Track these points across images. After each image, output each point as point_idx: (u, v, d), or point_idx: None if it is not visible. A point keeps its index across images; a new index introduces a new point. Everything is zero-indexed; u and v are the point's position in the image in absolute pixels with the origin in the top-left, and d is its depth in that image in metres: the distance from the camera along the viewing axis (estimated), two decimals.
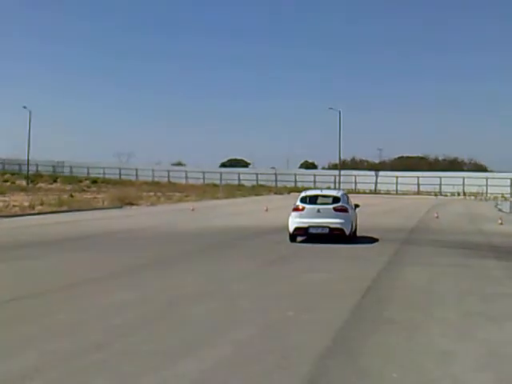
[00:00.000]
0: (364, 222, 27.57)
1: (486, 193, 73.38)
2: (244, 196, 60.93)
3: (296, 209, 19.19)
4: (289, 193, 72.05)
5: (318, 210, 18.98)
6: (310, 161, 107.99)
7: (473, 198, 69.10)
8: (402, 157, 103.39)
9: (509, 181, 74.75)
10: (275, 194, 69.93)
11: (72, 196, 45.49)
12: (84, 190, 62.02)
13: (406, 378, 6.04)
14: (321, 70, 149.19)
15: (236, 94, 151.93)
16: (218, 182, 79.81)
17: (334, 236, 18.55)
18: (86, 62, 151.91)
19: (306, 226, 18.62)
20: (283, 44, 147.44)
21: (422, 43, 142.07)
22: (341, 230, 18.59)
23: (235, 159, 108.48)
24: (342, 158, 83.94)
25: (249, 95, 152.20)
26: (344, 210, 19.07)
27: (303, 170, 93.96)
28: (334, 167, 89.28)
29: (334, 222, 18.57)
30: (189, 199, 50.02)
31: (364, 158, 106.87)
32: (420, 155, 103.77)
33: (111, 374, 6.01)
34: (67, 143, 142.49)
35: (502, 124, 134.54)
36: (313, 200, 19.96)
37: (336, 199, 19.67)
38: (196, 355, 6.63)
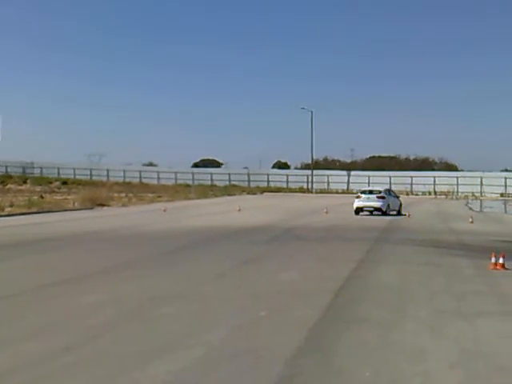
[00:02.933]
0: (337, 222, 27.77)
1: (457, 192, 74.29)
2: (216, 196, 60.81)
3: (358, 196, 35.28)
4: (262, 193, 72.24)
5: (368, 198, 34.50)
6: (283, 161, 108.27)
7: (444, 197, 69.89)
8: (373, 156, 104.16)
9: (479, 180, 75.72)
10: (248, 194, 69.92)
11: (42, 197, 45.02)
12: (54, 191, 61.39)
13: (378, 376, 6.04)
14: (293, 70, 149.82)
15: (209, 95, 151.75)
16: (190, 182, 79.66)
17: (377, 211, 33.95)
18: (55, 62, 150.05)
19: (362, 206, 34.29)
20: (255, 46, 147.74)
21: (391, 44, 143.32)
22: (379, 208, 33.79)
23: (208, 159, 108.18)
24: (314, 157, 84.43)
25: (221, 96, 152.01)
26: (382, 197, 34.29)
27: (276, 170, 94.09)
28: (306, 167, 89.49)
29: (376, 204, 33.87)
30: (161, 200, 49.76)
31: (336, 158, 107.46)
32: (391, 155, 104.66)
33: (82, 376, 5.92)
34: (37, 144, 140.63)
35: (472, 124, 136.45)
36: (366, 192, 35.99)
37: (379, 191, 35.32)
38: (167, 357, 6.56)
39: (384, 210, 33.45)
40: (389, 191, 37.72)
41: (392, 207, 34.89)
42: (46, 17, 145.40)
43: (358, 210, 34.06)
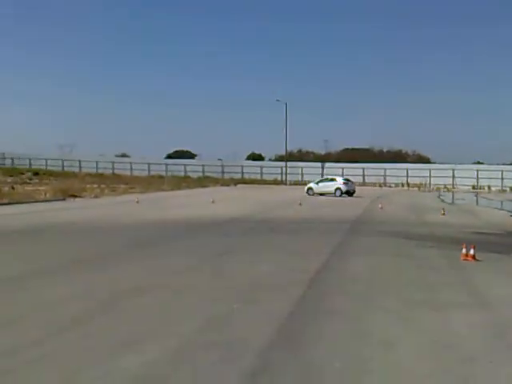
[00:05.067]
0: (310, 214, 27.85)
1: (430, 184, 75.11)
2: (190, 188, 60.60)
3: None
4: (236, 184, 72.19)
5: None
6: (257, 152, 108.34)
7: (416, 189, 70.60)
8: (347, 148, 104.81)
9: (451, 172, 76.61)
10: (222, 185, 69.83)
11: (13, 188, 44.40)
12: (26, 182, 60.55)
13: (348, 367, 6.08)
14: (267, 61, 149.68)
15: (182, 84, 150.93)
16: (163, 173, 79.32)
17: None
18: (25, 52, 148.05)
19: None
20: (229, 35, 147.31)
21: (361, 36, 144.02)
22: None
23: (181, 151, 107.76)
24: (288, 149, 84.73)
25: (195, 85, 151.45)
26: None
27: (250, 162, 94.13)
28: (280, 159, 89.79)
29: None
30: (134, 191, 49.45)
31: (310, 150, 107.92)
32: (365, 147, 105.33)
33: (52, 369, 5.89)
34: (8, 134, 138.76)
35: (444, 116, 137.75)
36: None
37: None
38: (138, 349, 6.54)
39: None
40: (330, 179, 51.06)
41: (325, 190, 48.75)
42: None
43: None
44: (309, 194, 48.59)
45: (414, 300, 9.37)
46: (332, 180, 50.24)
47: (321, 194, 48.50)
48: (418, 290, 10.22)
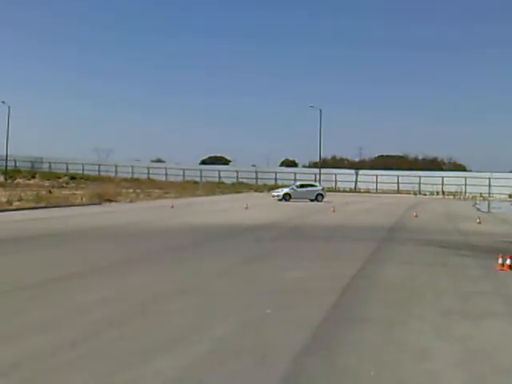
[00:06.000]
0: (344, 221, 27.74)
1: (465, 192, 74.12)
2: (224, 193, 60.86)
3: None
4: (269, 190, 72.12)
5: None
6: (291, 159, 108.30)
7: (452, 197, 69.73)
8: (381, 156, 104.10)
9: (487, 180, 75.48)
10: (255, 191, 69.91)
11: (50, 192, 45.14)
12: (62, 186, 61.59)
13: (383, 375, 6.05)
14: (303, 69, 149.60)
15: (218, 92, 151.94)
16: (198, 179, 79.84)
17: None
18: (65, 58, 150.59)
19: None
20: (265, 44, 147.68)
21: (400, 43, 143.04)
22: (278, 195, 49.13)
23: (215, 156, 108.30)
24: (322, 156, 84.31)
25: (230, 93, 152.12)
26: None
27: (284, 168, 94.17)
28: (314, 165, 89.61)
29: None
30: (168, 196, 49.86)
31: (344, 157, 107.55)
32: (400, 154, 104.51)
33: (87, 371, 5.94)
34: (46, 139, 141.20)
35: (481, 124, 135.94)
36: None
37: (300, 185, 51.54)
38: (173, 352, 6.58)
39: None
40: (310, 185, 53.23)
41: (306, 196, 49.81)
42: (53, 14, 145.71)
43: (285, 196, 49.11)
44: (285, 200, 48.58)
45: (449, 309, 9.28)
46: (312, 186, 52.75)
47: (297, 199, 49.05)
48: (452, 298, 10.12)
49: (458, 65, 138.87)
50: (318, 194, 49.87)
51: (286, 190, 50.61)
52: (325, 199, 49.75)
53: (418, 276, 12.43)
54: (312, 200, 49.16)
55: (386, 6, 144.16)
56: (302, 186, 52.06)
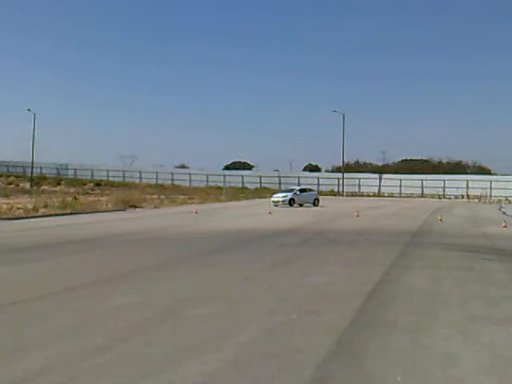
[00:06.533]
0: (368, 225, 27.62)
1: (490, 195, 73.37)
2: (247, 198, 60.94)
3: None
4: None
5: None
6: (314, 163, 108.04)
7: (477, 200, 69.03)
8: (405, 159, 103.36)
9: None
10: None
11: (76, 198, 45.56)
12: (88, 193, 62.14)
13: (409, 381, 6.01)
14: (325, 73, 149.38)
15: (241, 97, 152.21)
16: (221, 184, 79.90)
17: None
18: (89, 65, 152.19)
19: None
20: (287, 48, 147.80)
21: (424, 47, 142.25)
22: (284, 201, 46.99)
23: (239, 162, 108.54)
24: (345, 160, 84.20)
25: (253, 98, 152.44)
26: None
27: (307, 173, 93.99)
28: (337, 170, 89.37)
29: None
30: (192, 202, 50.07)
31: (368, 161, 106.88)
32: (424, 158, 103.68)
33: (114, 377, 6.00)
34: (71, 146, 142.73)
35: (506, 127, 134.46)
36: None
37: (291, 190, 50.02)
38: (199, 358, 6.61)
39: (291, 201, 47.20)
40: (309, 189, 52.73)
41: (307, 200, 48.76)
42: (78, 20, 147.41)
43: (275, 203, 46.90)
44: (290, 205, 46.92)
45: (476, 314, 9.19)
46: (311, 190, 52.60)
47: (300, 205, 47.83)
48: (479, 303, 10.02)
49: (484, 67, 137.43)
50: (315, 199, 49.49)
51: (290, 195, 48.17)
52: (320, 204, 49.49)
53: (444, 281, 12.33)
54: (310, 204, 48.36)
55: (400, 6, 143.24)
56: (302, 190, 51.11)
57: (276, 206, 46.49)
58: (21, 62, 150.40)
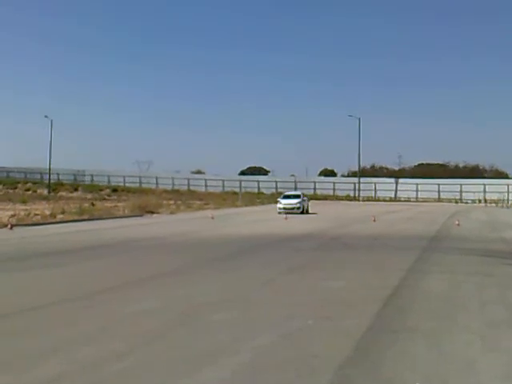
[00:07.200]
0: (385, 230, 27.52)
1: (508, 200, 72.71)
2: (263, 204, 60.95)
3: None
4: (308, 200, 71.94)
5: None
6: (330, 168, 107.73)
7: (494, 205, 68.48)
8: (422, 164, 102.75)
9: None
10: None
11: (93, 204, 45.84)
12: (105, 199, 62.50)
13: None
14: (341, 77, 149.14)
15: (256, 102, 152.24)
16: (237, 189, 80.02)
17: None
18: (105, 70, 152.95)
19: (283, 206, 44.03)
20: (301, 52, 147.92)
21: (441, 49, 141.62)
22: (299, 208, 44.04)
23: (255, 167, 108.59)
24: (361, 165, 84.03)
25: (269, 103, 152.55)
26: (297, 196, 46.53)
27: (322, 178, 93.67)
28: (353, 174, 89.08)
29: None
30: (208, 207, 50.19)
31: (384, 165, 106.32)
32: (440, 162, 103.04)
33: (133, 382, 6.01)
34: (88, 152, 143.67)
35: None
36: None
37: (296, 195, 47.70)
38: (217, 363, 6.61)
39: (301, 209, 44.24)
40: (303, 195, 49.56)
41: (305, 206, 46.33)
42: (95, 24, 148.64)
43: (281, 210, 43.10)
44: (298, 211, 43.34)
45: (495, 319, 9.11)
46: (305, 195, 49.63)
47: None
48: (498, 308, 9.94)
49: (500, 69, 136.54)
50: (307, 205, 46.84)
51: (296, 204, 44.47)
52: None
53: (463, 285, 12.25)
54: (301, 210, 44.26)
55: (423, 10, 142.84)
56: (296, 196, 47.59)
57: (293, 212, 43.02)
58: (37, 69, 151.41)
